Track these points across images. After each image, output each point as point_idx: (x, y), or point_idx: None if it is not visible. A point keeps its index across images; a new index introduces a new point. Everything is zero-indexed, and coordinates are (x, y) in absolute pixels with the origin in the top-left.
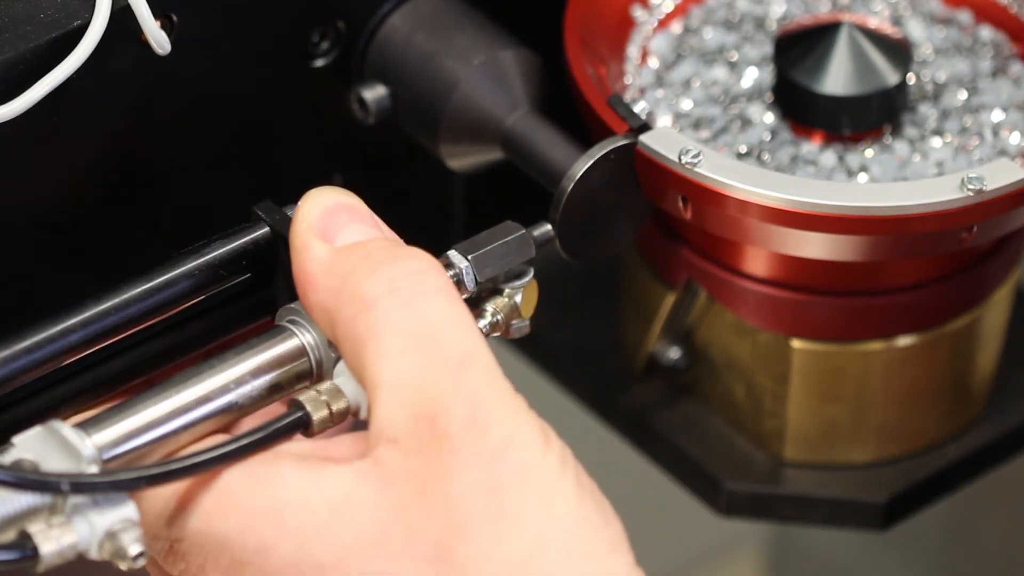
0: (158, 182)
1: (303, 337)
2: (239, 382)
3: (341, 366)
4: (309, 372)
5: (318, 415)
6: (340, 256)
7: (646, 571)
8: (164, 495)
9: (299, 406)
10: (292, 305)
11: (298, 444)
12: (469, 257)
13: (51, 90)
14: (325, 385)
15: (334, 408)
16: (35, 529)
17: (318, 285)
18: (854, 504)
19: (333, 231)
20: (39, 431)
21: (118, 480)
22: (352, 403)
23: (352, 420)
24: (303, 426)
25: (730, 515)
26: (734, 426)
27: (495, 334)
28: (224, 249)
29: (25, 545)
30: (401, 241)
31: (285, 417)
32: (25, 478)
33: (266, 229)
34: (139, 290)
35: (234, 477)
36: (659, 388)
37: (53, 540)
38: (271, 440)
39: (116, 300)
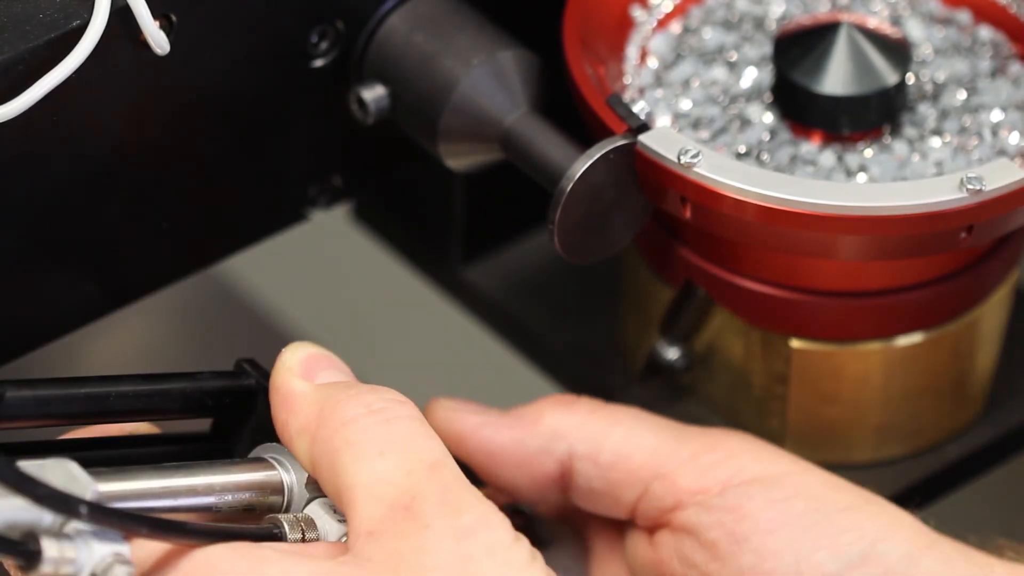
0: (157, 182)
1: (283, 473)
2: (223, 489)
3: (313, 507)
4: (280, 506)
5: (292, 536)
6: (321, 388)
7: None
8: (145, 555)
9: (276, 524)
10: (270, 445)
11: (282, 543)
12: None
13: (50, 90)
14: (301, 514)
15: (307, 536)
16: (42, 534)
17: (299, 411)
18: None
19: (314, 372)
20: (47, 462)
21: (132, 518)
22: (321, 537)
23: None
24: (276, 540)
25: None
26: (733, 426)
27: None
28: (207, 384)
29: (30, 545)
30: None
31: (262, 527)
32: (48, 493)
33: (250, 381)
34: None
35: (217, 549)
36: (658, 388)
37: (56, 548)
38: (247, 537)
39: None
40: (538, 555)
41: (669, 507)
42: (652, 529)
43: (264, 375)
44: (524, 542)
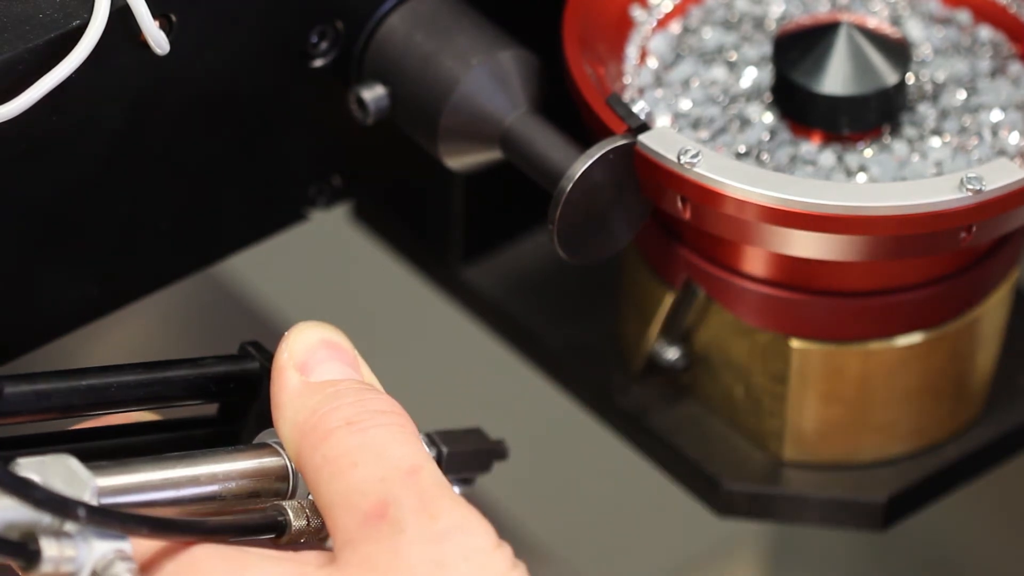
0: (157, 182)
1: (287, 460)
2: (227, 477)
3: None
4: (285, 492)
5: (297, 523)
6: (310, 390)
7: (645, 572)
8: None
9: (280, 511)
10: (274, 430)
11: (267, 550)
12: (444, 450)
13: (50, 90)
14: (306, 500)
15: (312, 522)
16: (41, 534)
17: (286, 415)
18: (854, 504)
19: (311, 365)
20: (47, 458)
21: (131, 518)
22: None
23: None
24: (281, 528)
25: (729, 515)
26: (733, 426)
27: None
28: (210, 369)
29: (29, 545)
30: (378, 385)
31: (267, 515)
32: (46, 497)
33: (254, 364)
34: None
35: (203, 551)
36: (658, 388)
37: (55, 548)
38: (251, 528)
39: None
40: (520, 565)
41: None
42: None
43: (268, 357)
44: (506, 549)
